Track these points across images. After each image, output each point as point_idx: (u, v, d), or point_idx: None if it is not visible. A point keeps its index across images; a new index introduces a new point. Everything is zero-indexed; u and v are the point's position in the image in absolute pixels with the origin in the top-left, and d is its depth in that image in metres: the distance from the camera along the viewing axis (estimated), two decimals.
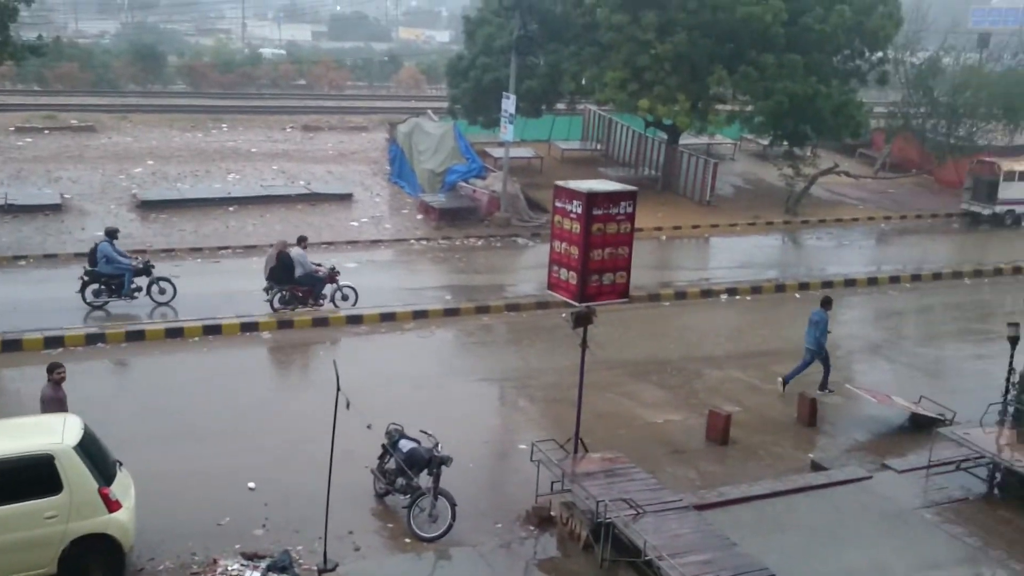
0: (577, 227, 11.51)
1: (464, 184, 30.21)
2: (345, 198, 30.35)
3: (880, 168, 38.62)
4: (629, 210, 11.75)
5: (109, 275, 19.73)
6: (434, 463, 11.73)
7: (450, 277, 24.02)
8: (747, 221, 31.02)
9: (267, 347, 18.48)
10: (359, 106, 46.35)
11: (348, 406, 9.95)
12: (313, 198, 29.78)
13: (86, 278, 19.70)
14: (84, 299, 19.68)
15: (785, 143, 33.04)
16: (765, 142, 36.90)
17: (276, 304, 19.98)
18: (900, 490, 12.88)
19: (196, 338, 18.45)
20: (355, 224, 28.09)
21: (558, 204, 11.87)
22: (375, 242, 26.65)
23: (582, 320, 11.88)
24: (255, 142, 36.47)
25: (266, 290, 19.99)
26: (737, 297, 23.26)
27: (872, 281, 24.96)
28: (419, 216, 29.28)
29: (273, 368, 17.99)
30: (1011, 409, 13.81)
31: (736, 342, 19.98)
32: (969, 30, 60.66)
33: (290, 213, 28.20)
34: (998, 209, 31.93)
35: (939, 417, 15.06)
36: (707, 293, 23.24)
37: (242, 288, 20.83)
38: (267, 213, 27.99)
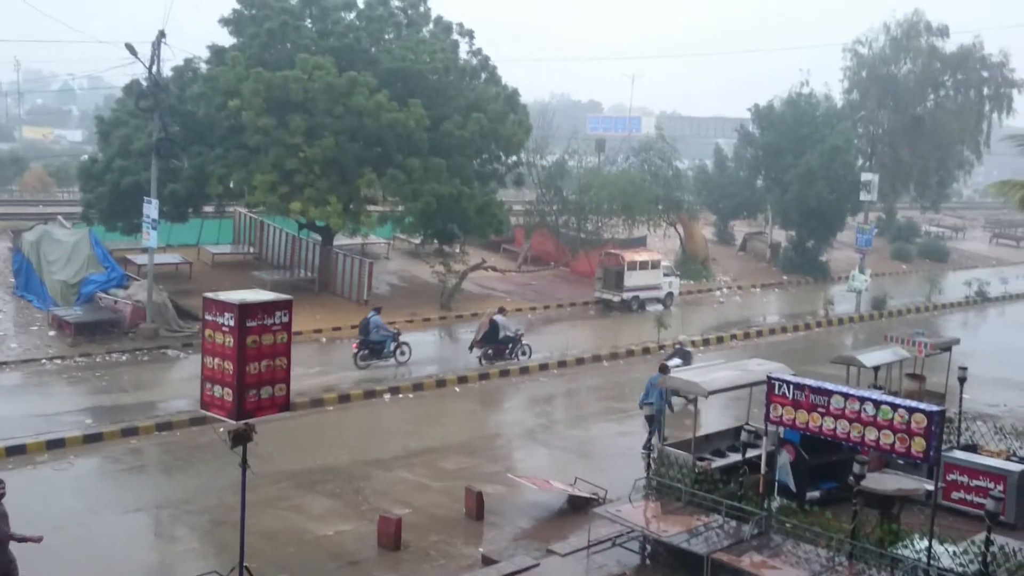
0: (230, 340, 10.99)
1: (104, 295, 27.96)
2: None
3: (523, 262, 41.35)
4: (285, 319, 11.44)
5: (375, 341, 25.01)
6: None
7: (91, 399, 21.88)
8: (405, 318, 31.59)
9: None
10: None
11: None
12: None
13: (359, 345, 24.85)
14: (356, 362, 24.84)
15: (435, 241, 34.41)
16: (417, 241, 38.15)
17: (483, 360, 25.89)
18: (565, 573, 13.41)
19: None
20: None
21: (208, 317, 11.28)
22: None
23: (241, 438, 11.28)
24: None
25: (473, 348, 26.11)
26: (400, 395, 23.45)
27: (524, 370, 26.30)
28: (51, 332, 26.58)
29: None
30: (654, 483, 15.00)
31: (402, 441, 20.01)
32: (587, 136, 67.70)
33: None
34: (625, 296, 35.33)
35: (593, 497, 16.02)
36: (370, 394, 23.18)
37: None
38: None
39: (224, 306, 11.08)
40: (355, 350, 25.09)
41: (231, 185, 31.37)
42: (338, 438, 20.14)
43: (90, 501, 16.12)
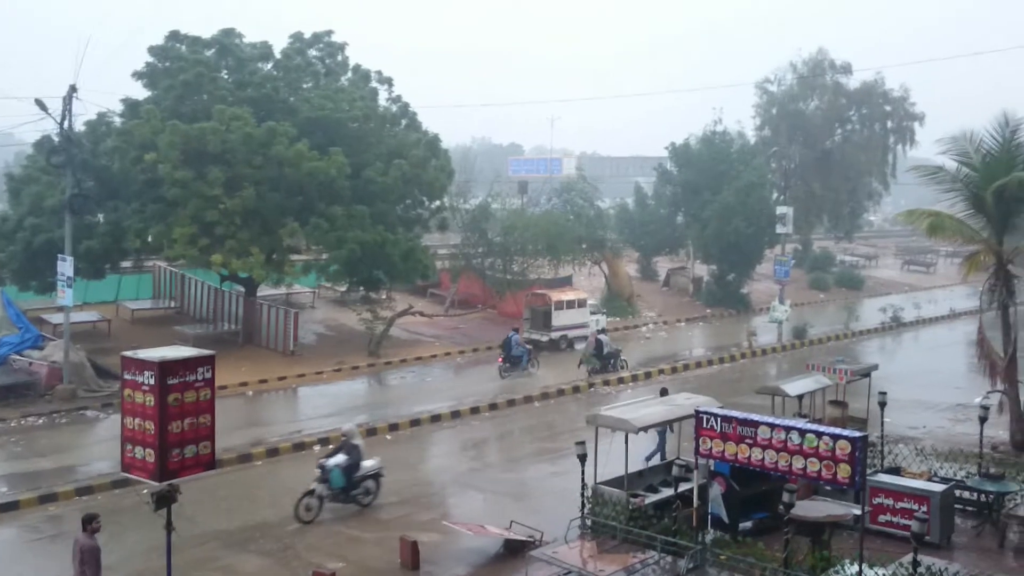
0: (151, 399, 10.72)
1: (18, 357, 27.07)
2: None
3: (450, 306, 41.29)
4: (208, 375, 11.23)
5: (515, 356, 30.18)
6: None
7: (6, 465, 21.04)
8: (333, 368, 31.23)
9: None
10: None
11: None
12: None
13: (504, 360, 30.16)
14: (500, 374, 29.88)
15: (361, 288, 34.18)
16: (342, 288, 37.84)
17: (590, 373, 30.07)
18: None
19: None
20: None
21: (127, 376, 11.01)
22: None
23: (164, 500, 10.97)
24: None
25: (582, 363, 30.48)
26: (330, 446, 22.98)
27: (456, 414, 26.17)
28: None
29: None
30: (589, 522, 15.01)
31: None
32: (510, 178, 68.34)
33: None
34: (554, 335, 35.51)
35: (529, 539, 15.91)
36: (300, 446, 22.77)
37: None
38: None
39: (143, 364, 10.83)
40: (500, 363, 30.19)
41: (149, 239, 30.75)
42: (268, 493, 19.69)
43: (9, 574, 15.43)
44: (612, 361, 31.20)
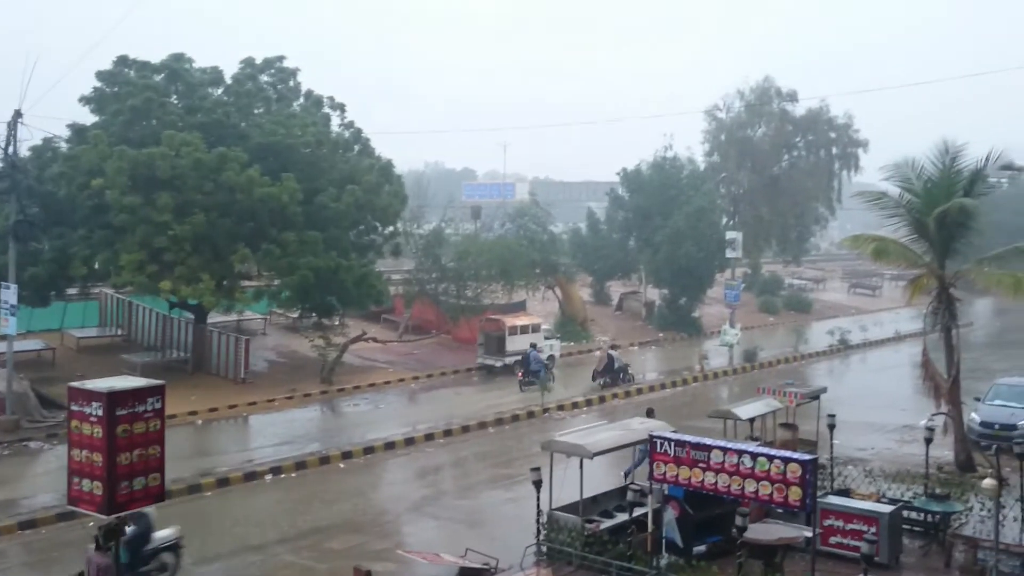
0: (99, 431, 10.53)
1: None
2: None
3: (404, 332, 41.06)
4: (158, 406, 11.07)
5: (532, 370, 32.20)
6: None
7: None
8: (285, 395, 30.88)
9: None
10: None
11: None
12: None
13: (523, 374, 32.32)
14: (520, 388, 31.92)
15: (314, 315, 33.89)
16: (294, 315, 37.48)
17: (602, 386, 32.72)
18: None
19: None
20: None
21: (75, 407, 10.81)
22: None
23: (112, 533, 10.75)
24: None
25: (595, 378, 33.19)
26: (282, 476, 22.77)
27: (410, 441, 25.99)
28: None
29: None
30: (544, 549, 14.99)
31: (286, 524, 19.37)
32: (463, 203, 68.51)
33: None
34: (508, 361, 35.42)
35: (485, 567, 15.83)
36: (251, 476, 22.43)
37: None
38: None
39: (91, 395, 10.63)
40: (520, 378, 32.32)
41: (96, 266, 30.21)
42: (218, 525, 19.36)
43: None
44: (621, 375, 33.51)
